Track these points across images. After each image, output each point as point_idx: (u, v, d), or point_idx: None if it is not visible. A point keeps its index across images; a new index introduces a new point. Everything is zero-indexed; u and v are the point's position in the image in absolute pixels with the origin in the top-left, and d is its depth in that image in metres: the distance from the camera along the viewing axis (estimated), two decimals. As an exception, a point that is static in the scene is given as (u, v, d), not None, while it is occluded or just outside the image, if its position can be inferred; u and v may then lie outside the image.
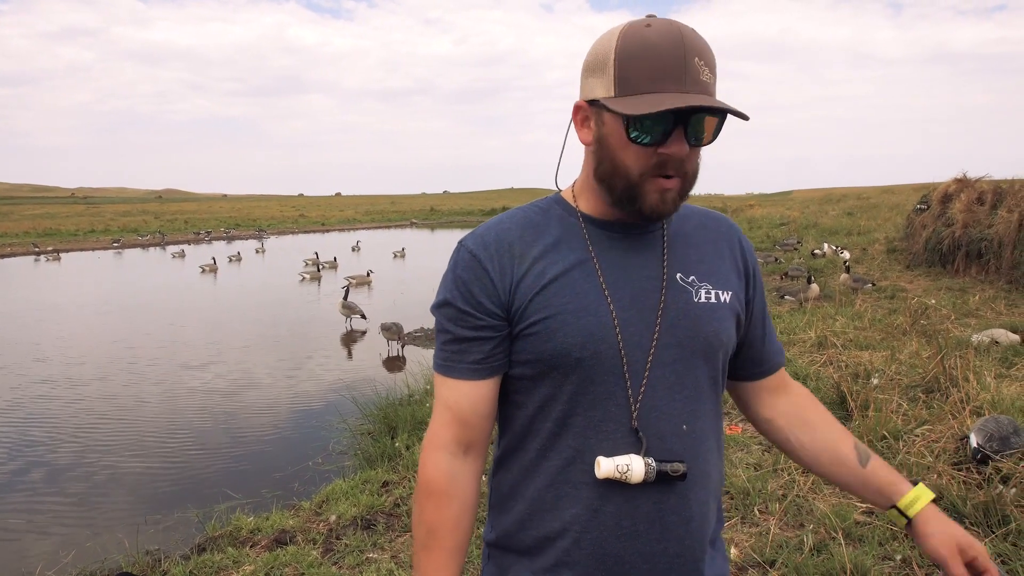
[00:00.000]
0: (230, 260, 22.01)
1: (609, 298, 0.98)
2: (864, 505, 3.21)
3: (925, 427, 3.76)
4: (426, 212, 62.64)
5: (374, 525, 3.49)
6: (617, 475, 0.94)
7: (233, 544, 3.48)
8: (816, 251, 14.52)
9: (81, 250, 28.30)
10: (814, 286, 9.15)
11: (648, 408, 0.97)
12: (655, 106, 0.87)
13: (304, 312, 12.91)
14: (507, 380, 1.05)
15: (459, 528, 1.03)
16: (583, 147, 1.03)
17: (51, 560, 3.87)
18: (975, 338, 5.84)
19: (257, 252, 25.93)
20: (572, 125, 1.02)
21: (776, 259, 14.42)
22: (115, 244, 29.83)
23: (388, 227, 45.85)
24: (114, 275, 20.37)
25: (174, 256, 24.65)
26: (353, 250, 25.71)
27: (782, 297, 9.53)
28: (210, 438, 6.11)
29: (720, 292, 1.05)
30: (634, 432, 0.97)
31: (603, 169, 0.98)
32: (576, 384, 0.97)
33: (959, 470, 3.26)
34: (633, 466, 0.94)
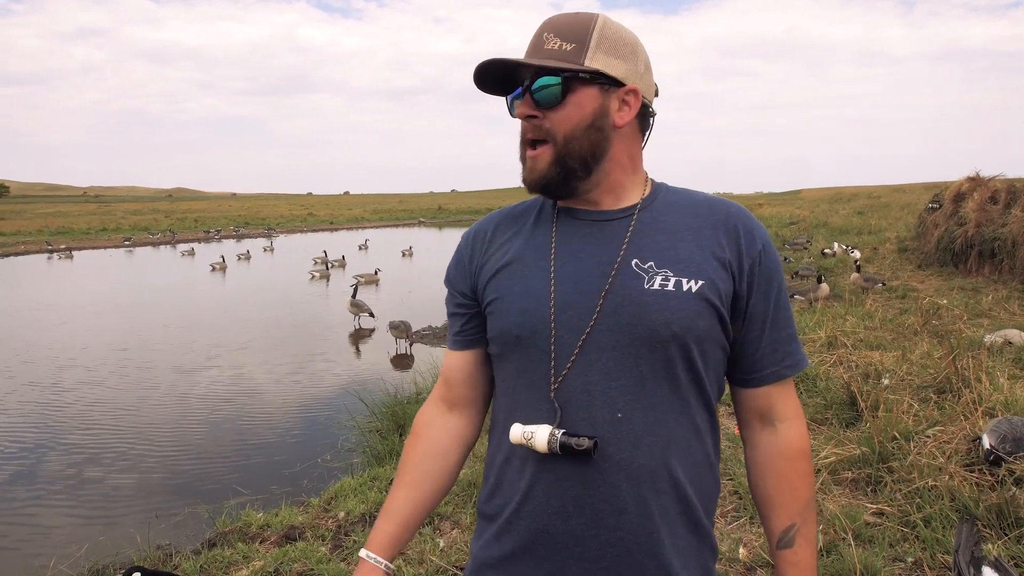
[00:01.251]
0: (239, 259, 22.12)
1: (553, 281, 1.02)
2: (874, 506, 3.19)
3: (937, 428, 3.73)
4: (434, 211, 62.73)
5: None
6: (523, 441, 0.99)
7: (243, 540, 3.50)
8: (826, 250, 14.44)
9: (93, 248, 28.52)
10: (824, 286, 9.10)
11: (579, 390, 0.99)
12: (477, 71, 1.02)
13: (313, 310, 12.96)
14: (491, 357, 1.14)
15: (420, 466, 1.15)
16: None
17: (64, 554, 3.90)
18: (988, 338, 5.79)
19: (265, 251, 26.04)
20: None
21: (786, 259, 14.36)
22: (126, 242, 30.04)
23: (396, 226, 45.96)
24: (125, 273, 20.52)
25: (184, 254, 24.80)
26: (361, 249, 25.78)
27: (792, 297, 9.49)
28: (220, 435, 6.14)
29: (684, 280, 1.00)
30: (553, 404, 1.00)
31: None
32: (518, 361, 1.04)
33: (971, 471, 3.23)
34: (537, 434, 0.98)
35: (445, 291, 1.17)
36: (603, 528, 0.99)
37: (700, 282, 1.00)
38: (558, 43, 1.00)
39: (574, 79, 1.00)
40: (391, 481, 4.41)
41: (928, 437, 3.66)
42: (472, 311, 1.12)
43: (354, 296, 11.12)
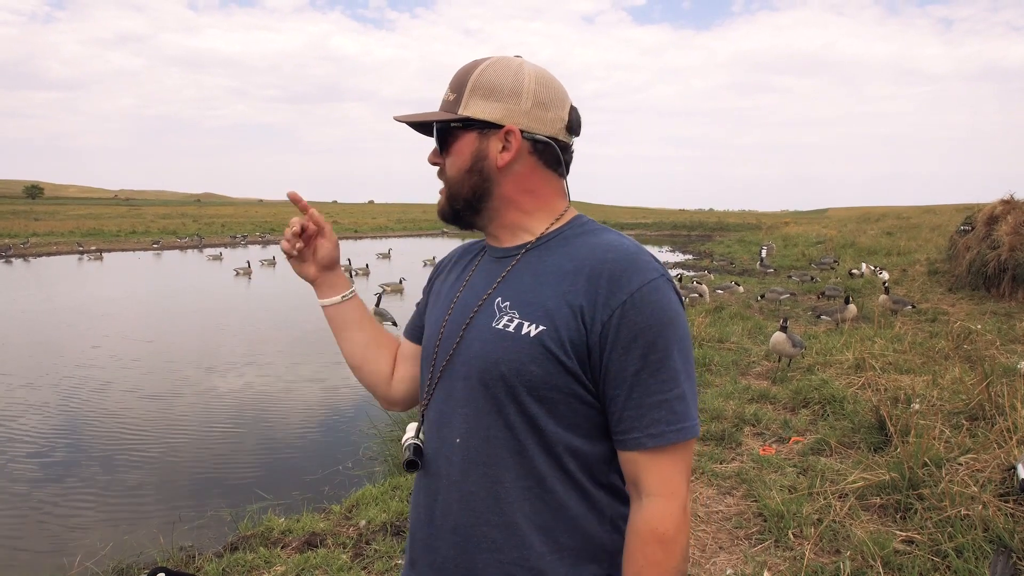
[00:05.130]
0: (262, 264, 22.39)
1: (450, 312, 1.12)
2: (904, 533, 3.13)
3: (969, 455, 3.65)
4: (457, 222, 62.74)
5: (404, 531, 3.50)
6: (404, 434, 1.14)
7: (265, 544, 3.52)
8: (854, 271, 14.24)
9: (123, 250, 29.09)
10: (851, 306, 8.97)
11: (437, 412, 1.09)
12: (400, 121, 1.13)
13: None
14: None
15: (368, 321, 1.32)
16: None
17: (89, 552, 3.96)
18: (1022, 365, 5.66)
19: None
20: None
21: (812, 278, 14.19)
22: (155, 245, 30.59)
23: (420, 235, 46.23)
24: (154, 276, 20.88)
25: (211, 259, 25.18)
26: (384, 257, 25.96)
27: (818, 317, 9.36)
28: (242, 439, 6.20)
29: (526, 323, 0.99)
30: (421, 417, 1.13)
31: None
32: (420, 373, 1.19)
33: (1005, 502, 3.15)
34: (406, 434, 1.12)
35: None
36: (443, 542, 1.06)
37: (541, 327, 0.97)
38: (448, 94, 1.09)
39: (449, 128, 1.08)
40: (411, 491, 4.42)
41: (960, 465, 3.57)
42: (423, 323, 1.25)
43: (378, 304, 11.19)
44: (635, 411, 0.96)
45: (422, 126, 1.13)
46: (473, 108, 1.05)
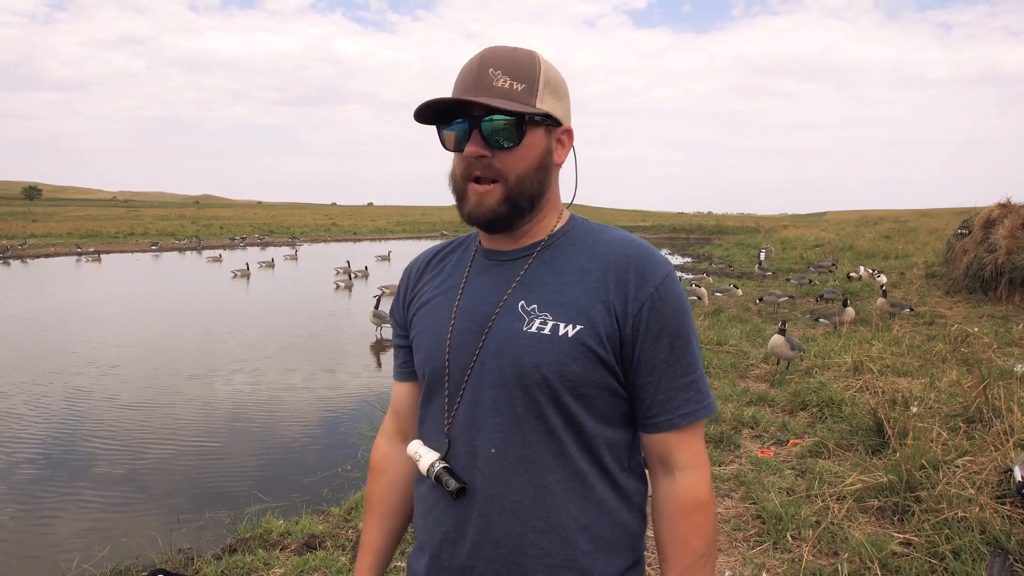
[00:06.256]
0: (260, 266, 22.37)
1: (453, 321, 1.06)
2: (902, 536, 3.14)
3: (966, 458, 3.66)
4: (457, 224, 63.01)
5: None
6: (415, 457, 1.08)
7: (263, 546, 3.52)
8: (852, 274, 14.28)
9: (121, 252, 29.06)
10: (849, 309, 8.99)
11: (464, 425, 1.04)
12: (421, 105, 1.00)
13: (335, 320, 13.06)
14: None
15: (387, 500, 1.22)
16: None
17: (87, 554, 3.95)
18: (1019, 368, 5.67)
19: (287, 259, 26.31)
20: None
21: (810, 281, 14.22)
22: (153, 247, 30.56)
23: (419, 237, 46.25)
24: (151, 278, 20.86)
25: (211, 260, 25.16)
26: (384, 259, 25.96)
27: (816, 320, 9.38)
28: (241, 441, 6.20)
29: (562, 324, 1.00)
30: (445, 438, 1.06)
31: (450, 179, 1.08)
32: (425, 394, 1.11)
33: (1002, 503, 3.16)
34: (424, 458, 1.06)
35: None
36: (481, 558, 1.02)
37: (579, 327, 0.99)
38: (508, 81, 1.00)
39: (529, 121, 1.01)
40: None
41: (957, 467, 3.59)
42: (410, 344, 1.17)
43: (377, 307, 11.19)
44: (666, 395, 1.03)
45: (427, 110, 1.02)
46: (548, 103, 1.03)
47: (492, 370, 1.02)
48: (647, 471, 1.11)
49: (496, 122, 0.99)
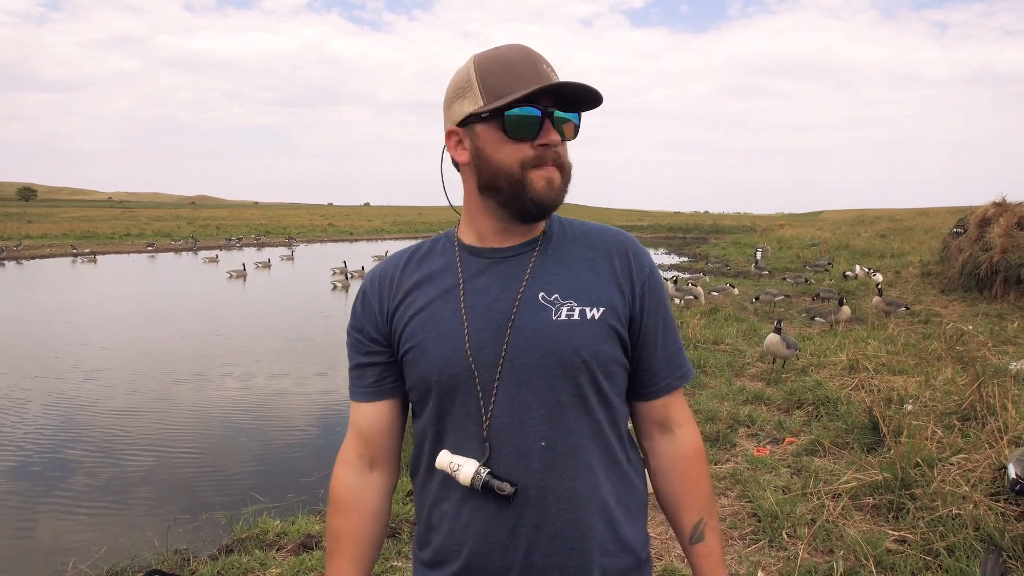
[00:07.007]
0: (257, 267, 22.34)
1: (466, 323, 1.04)
2: (896, 533, 3.15)
3: (961, 456, 3.67)
4: (453, 224, 62.62)
5: (399, 533, 3.51)
6: (449, 471, 1.02)
7: (260, 547, 3.52)
8: (848, 273, 14.30)
9: (117, 253, 29.00)
10: (845, 308, 9.01)
11: (504, 424, 1.02)
12: (523, 90, 0.98)
13: (330, 321, 13.05)
14: (409, 403, 1.15)
15: (360, 538, 1.14)
16: (461, 178, 1.11)
17: (83, 555, 3.95)
18: (1014, 366, 5.70)
19: (283, 259, 26.26)
20: (445, 152, 1.11)
21: (807, 280, 14.24)
22: (149, 248, 30.50)
23: (415, 237, 46.23)
24: (148, 279, 20.81)
25: (207, 261, 25.12)
26: (380, 260, 25.90)
27: (812, 319, 9.40)
28: (237, 442, 6.19)
29: (587, 309, 1.04)
30: (483, 443, 1.03)
31: (486, 177, 1.05)
32: (440, 406, 1.05)
33: (996, 501, 3.17)
34: (464, 468, 1.01)
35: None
36: (538, 554, 1.02)
37: (602, 309, 1.05)
38: (555, 75, 1.04)
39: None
40: (409, 492, 4.42)
41: (952, 465, 3.60)
42: (386, 360, 1.10)
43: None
44: (663, 362, 1.12)
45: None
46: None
47: (526, 364, 1.02)
48: (640, 438, 1.19)
49: (568, 123, 1.04)
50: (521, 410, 1.02)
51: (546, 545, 1.02)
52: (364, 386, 1.12)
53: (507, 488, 1.00)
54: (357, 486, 1.15)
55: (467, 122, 1.04)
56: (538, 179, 1.02)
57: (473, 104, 1.03)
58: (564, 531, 1.02)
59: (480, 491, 1.01)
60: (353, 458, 1.15)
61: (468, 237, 1.11)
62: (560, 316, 1.03)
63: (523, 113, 1.00)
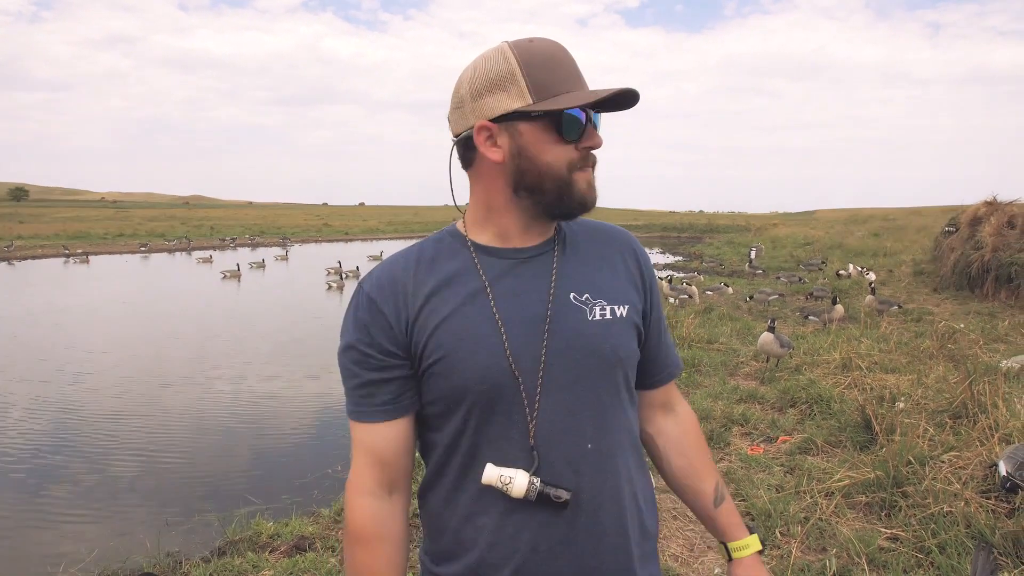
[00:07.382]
0: (251, 267, 22.26)
1: (502, 328, 0.98)
2: (889, 531, 3.16)
3: (952, 453, 3.69)
4: (448, 224, 62.64)
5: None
6: (499, 485, 0.96)
7: (253, 549, 3.51)
8: (841, 272, 14.35)
9: (110, 253, 28.86)
10: (839, 307, 9.04)
11: (550, 430, 0.99)
12: (571, 90, 0.96)
13: (325, 321, 13.02)
14: (421, 416, 1.06)
15: (397, 567, 1.04)
16: (470, 176, 1.05)
17: (74, 558, 3.93)
18: (1004, 364, 5.73)
19: (278, 259, 26.18)
20: (455, 150, 1.05)
21: (800, 279, 14.29)
22: (142, 248, 30.36)
23: (410, 238, 46.15)
24: (141, 279, 20.72)
25: (201, 261, 25.02)
26: (375, 259, 25.90)
27: (806, 317, 9.43)
28: (231, 443, 6.17)
29: (616, 307, 1.05)
30: (531, 451, 0.98)
31: (531, 178, 0.99)
32: (480, 416, 0.99)
33: (987, 498, 3.19)
34: (516, 480, 0.96)
35: (340, 343, 1.05)
36: (586, 556, 1.00)
37: (626, 307, 1.07)
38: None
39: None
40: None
41: (943, 462, 3.62)
42: (404, 374, 1.01)
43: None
44: (665, 351, 1.19)
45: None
46: None
47: (568, 367, 0.99)
48: (644, 424, 1.21)
49: (600, 116, 1.03)
50: (568, 415, 0.99)
51: (597, 546, 1.01)
52: (378, 404, 1.02)
53: (564, 495, 0.96)
54: (382, 515, 1.04)
55: (506, 119, 0.97)
56: (581, 181, 1.00)
57: (519, 100, 0.96)
58: (611, 529, 1.03)
59: (533, 501, 0.96)
60: (371, 485, 1.03)
61: (483, 237, 1.05)
62: (594, 316, 1.02)
63: (575, 115, 0.97)
